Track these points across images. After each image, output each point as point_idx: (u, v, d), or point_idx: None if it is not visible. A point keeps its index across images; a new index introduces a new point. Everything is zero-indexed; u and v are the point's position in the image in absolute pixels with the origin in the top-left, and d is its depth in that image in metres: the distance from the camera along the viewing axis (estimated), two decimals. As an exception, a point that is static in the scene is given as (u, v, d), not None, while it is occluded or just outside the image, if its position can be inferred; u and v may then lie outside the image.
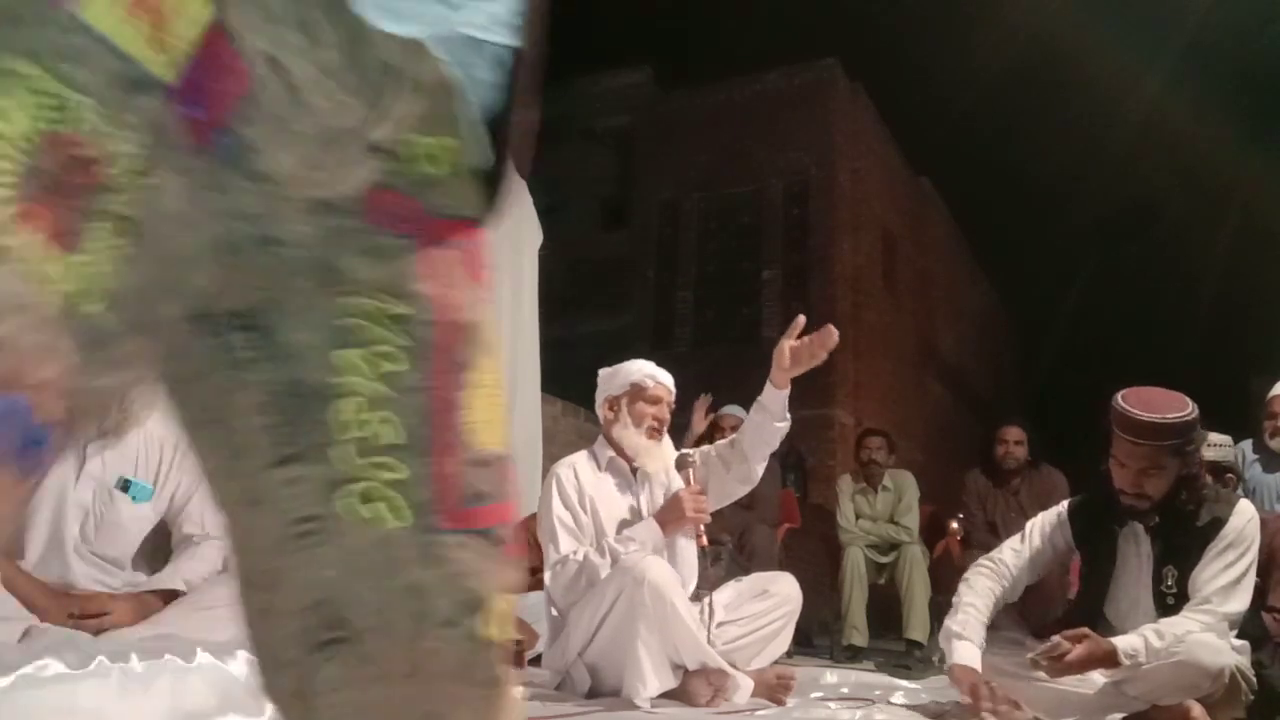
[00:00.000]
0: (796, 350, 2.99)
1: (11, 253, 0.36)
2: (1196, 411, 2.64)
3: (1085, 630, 2.53)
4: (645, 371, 3.22)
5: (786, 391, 3.07)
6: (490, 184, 0.61)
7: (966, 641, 2.69)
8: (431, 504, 0.58)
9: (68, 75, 0.38)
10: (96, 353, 0.42)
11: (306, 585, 0.57)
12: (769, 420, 3.08)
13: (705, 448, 3.32)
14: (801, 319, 3.04)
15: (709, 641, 2.94)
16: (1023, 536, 2.93)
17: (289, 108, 0.48)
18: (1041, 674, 2.56)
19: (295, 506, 0.56)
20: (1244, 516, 2.65)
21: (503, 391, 0.63)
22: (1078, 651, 2.47)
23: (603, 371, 3.30)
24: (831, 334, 2.91)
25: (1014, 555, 2.89)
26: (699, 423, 3.53)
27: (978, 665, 2.65)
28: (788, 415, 3.11)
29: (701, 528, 3.08)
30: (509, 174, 0.62)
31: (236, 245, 0.51)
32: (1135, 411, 2.63)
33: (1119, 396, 2.68)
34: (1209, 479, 3.16)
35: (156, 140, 0.41)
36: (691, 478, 3.11)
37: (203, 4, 0.42)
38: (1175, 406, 2.64)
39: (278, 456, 0.56)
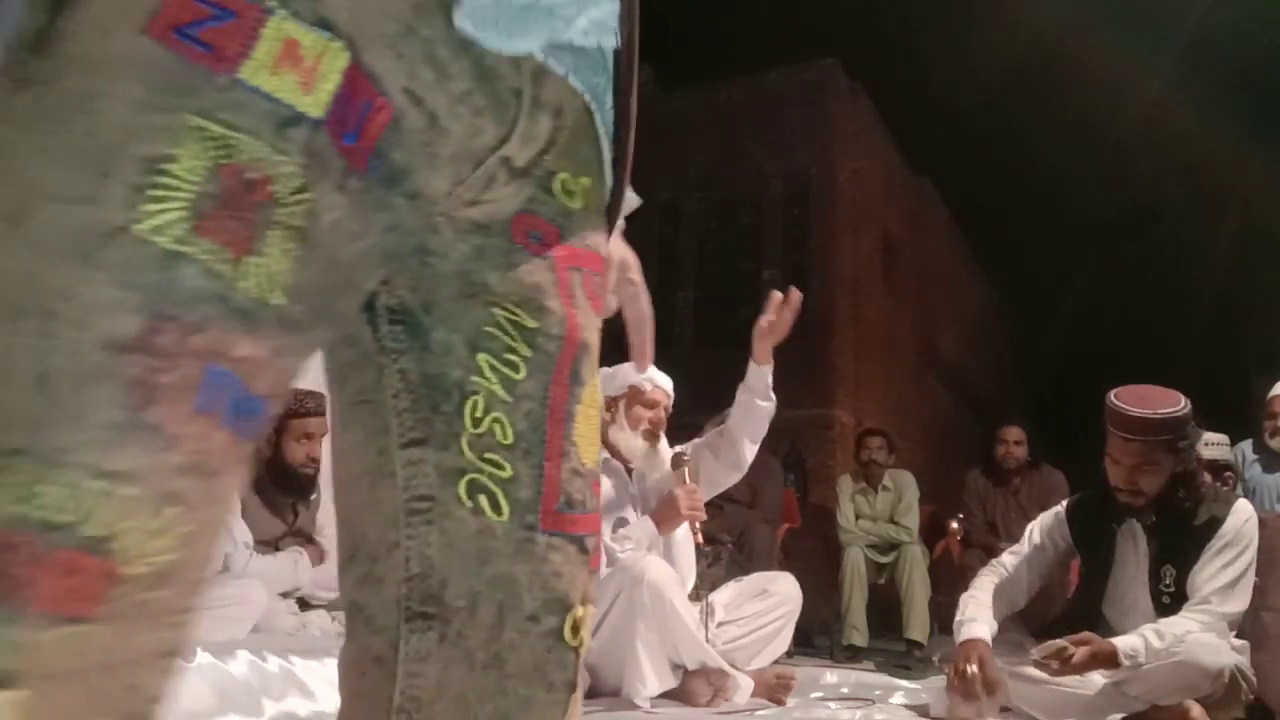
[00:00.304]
0: (773, 323, 3.03)
1: (191, 256, 0.46)
2: (1189, 407, 2.65)
3: (1088, 634, 2.53)
4: (644, 374, 3.22)
5: (768, 368, 3.09)
6: (610, 208, 0.69)
7: (974, 621, 2.70)
8: (532, 504, 0.63)
9: (231, 121, 0.47)
10: (287, 334, 0.50)
11: (411, 559, 0.63)
12: (753, 399, 3.10)
13: (695, 440, 3.33)
14: (777, 295, 3.07)
15: (708, 641, 2.94)
16: (1024, 539, 2.94)
17: (430, 134, 0.55)
18: (1042, 674, 2.56)
19: (414, 485, 0.62)
20: (1242, 515, 2.65)
21: (599, 413, 0.69)
22: (1081, 654, 2.47)
23: (602, 372, 3.28)
24: (795, 296, 3.03)
25: (1013, 556, 2.90)
26: None
27: (987, 639, 2.65)
28: (772, 395, 3.12)
29: (697, 525, 3.09)
30: (624, 194, 0.70)
31: (393, 253, 0.58)
32: (1127, 407, 2.64)
33: (1112, 394, 2.70)
34: (1208, 478, 3.16)
35: (311, 162, 0.50)
36: (686, 476, 3.12)
37: (340, 52, 0.50)
38: (1167, 402, 2.66)
39: (407, 438, 0.62)
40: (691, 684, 2.86)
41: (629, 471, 3.21)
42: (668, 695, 2.84)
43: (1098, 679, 2.59)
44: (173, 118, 0.46)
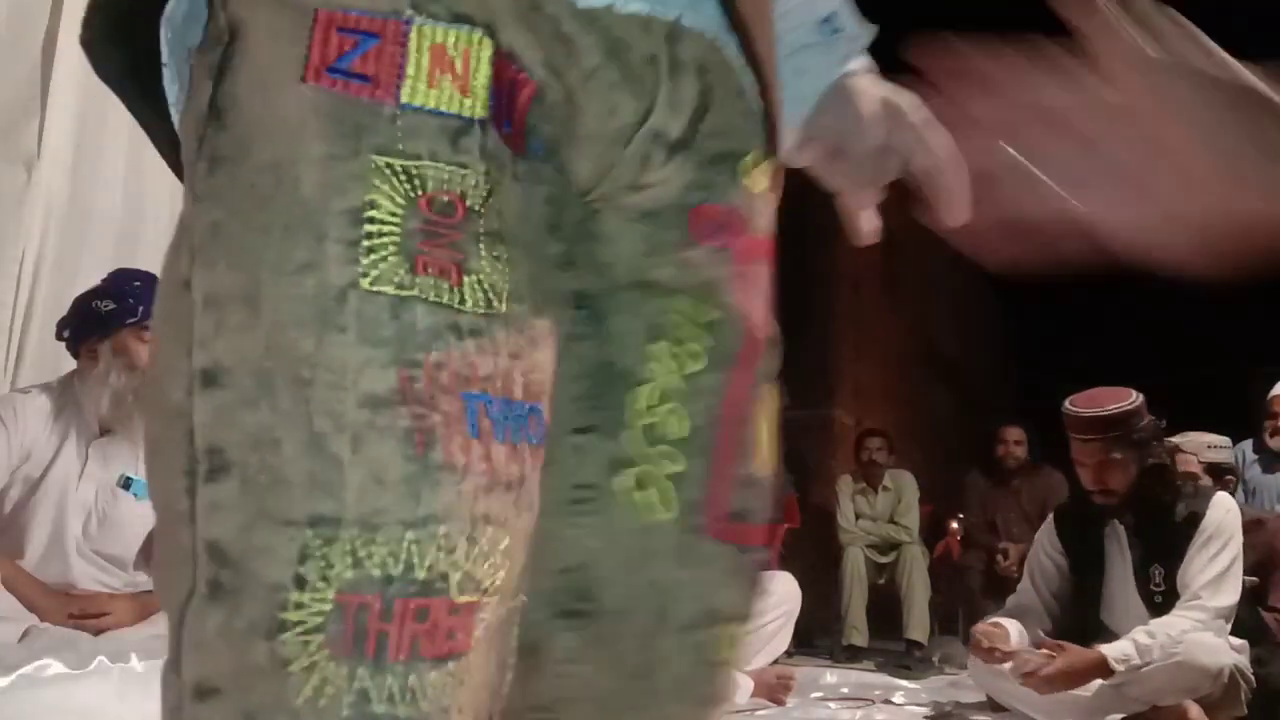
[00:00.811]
0: None
1: (417, 297, 0.47)
2: (1139, 400, 2.68)
3: (1060, 643, 2.55)
4: None
5: None
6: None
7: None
8: (700, 505, 0.60)
9: (410, 151, 0.48)
10: (520, 336, 0.50)
11: (568, 550, 0.60)
12: None
13: None
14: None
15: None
16: (1028, 558, 3.00)
17: (568, 109, 0.54)
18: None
19: (578, 474, 0.60)
20: (1221, 508, 2.65)
21: (776, 418, 0.65)
22: (1056, 665, 2.48)
23: None
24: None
25: (1024, 577, 2.95)
26: None
27: (1013, 630, 2.67)
28: None
29: None
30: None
31: (555, 225, 0.56)
32: (1078, 410, 2.70)
33: (1067, 400, 2.76)
34: (1208, 480, 3.16)
35: (489, 165, 0.50)
36: None
37: (482, 41, 0.50)
38: (1116, 398, 2.70)
39: (575, 424, 0.59)
40: (691, 684, 2.86)
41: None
42: (668, 695, 2.84)
43: (1096, 679, 2.59)
44: (358, 162, 0.47)
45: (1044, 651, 2.54)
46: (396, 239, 0.47)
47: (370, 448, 0.45)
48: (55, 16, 2.89)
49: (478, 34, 0.50)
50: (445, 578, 0.46)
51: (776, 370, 0.64)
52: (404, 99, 0.48)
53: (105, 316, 2.46)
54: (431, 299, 0.47)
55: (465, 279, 0.48)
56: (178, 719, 0.48)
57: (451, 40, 0.49)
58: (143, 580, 2.57)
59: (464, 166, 0.49)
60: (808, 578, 3.87)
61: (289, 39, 0.48)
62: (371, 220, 0.47)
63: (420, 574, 0.45)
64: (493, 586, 0.48)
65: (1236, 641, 2.60)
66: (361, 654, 0.44)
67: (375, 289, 0.47)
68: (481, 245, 0.49)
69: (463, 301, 0.48)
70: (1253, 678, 2.55)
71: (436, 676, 0.46)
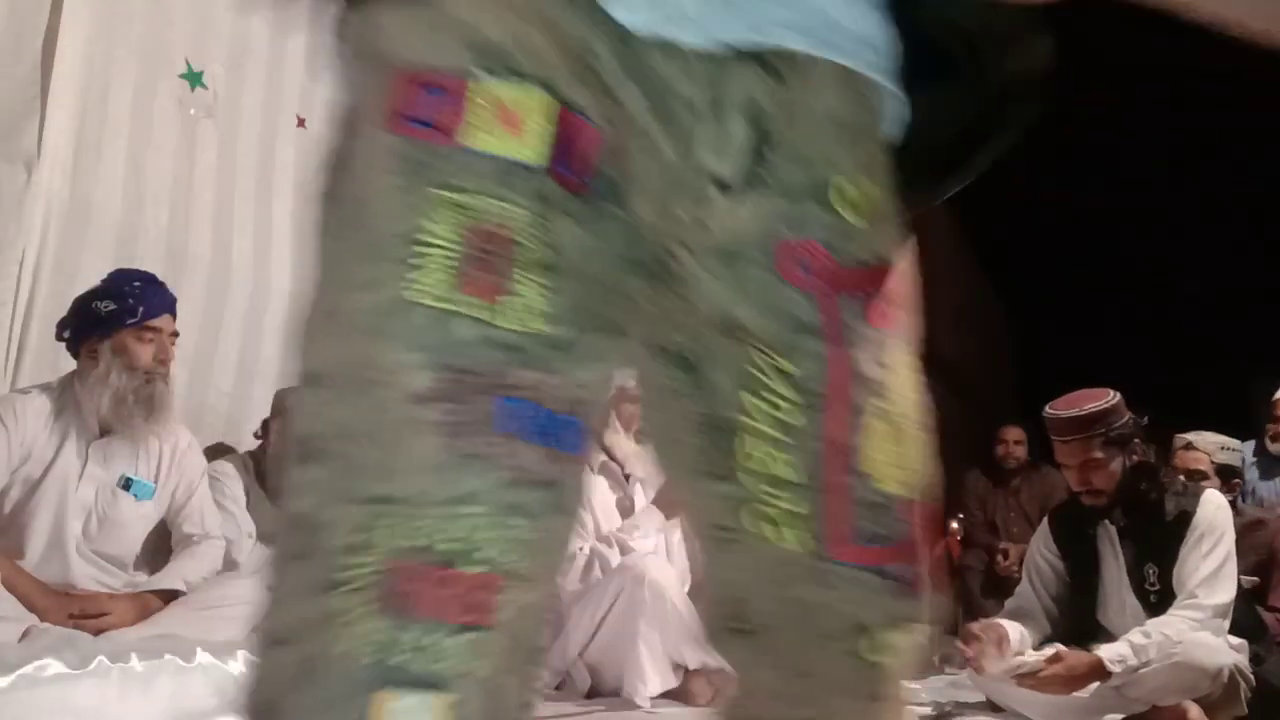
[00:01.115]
0: None
1: (458, 312, 0.54)
2: (1116, 399, 2.69)
3: (1058, 650, 2.55)
4: (628, 372, 3.25)
5: None
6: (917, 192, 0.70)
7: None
8: (823, 537, 0.65)
9: (463, 186, 0.55)
10: (559, 353, 0.56)
11: (720, 580, 0.69)
12: None
13: None
14: None
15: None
16: (1025, 561, 3.00)
17: (622, 155, 0.59)
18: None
19: (713, 515, 0.67)
20: (1212, 505, 2.65)
21: (912, 431, 0.69)
22: (1054, 669, 2.48)
23: None
24: None
25: (1023, 581, 2.95)
26: None
27: (1013, 632, 2.67)
28: None
29: None
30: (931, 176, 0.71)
31: (637, 263, 0.61)
32: (1057, 412, 2.72)
33: (1047, 406, 2.77)
34: (1216, 480, 3.16)
35: (539, 203, 0.56)
36: None
37: (536, 94, 0.56)
38: (1091, 399, 2.71)
39: (702, 472, 0.67)
40: (692, 684, 2.86)
41: (626, 477, 3.24)
42: (669, 695, 2.84)
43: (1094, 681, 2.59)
44: (420, 195, 0.55)
45: (1041, 656, 2.54)
46: (445, 262, 0.54)
47: (415, 439, 0.53)
48: (55, 16, 2.89)
49: (534, 89, 0.57)
50: (468, 555, 0.52)
51: (893, 390, 0.68)
52: (462, 142, 0.55)
53: (105, 317, 2.46)
54: (470, 314, 0.54)
55: (504, 299, 0.55)
56: (255, 667, 0.55)
57: (509, 94, 0.56)
58: (142, 580, 2.57)
59: (512, 203, 0.56)
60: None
61: (376, 92, 0.57)
62: (423, 243, 0.54)
63: (446, 546, 0.51)
64: (516, 571, 0.53)
65: (1235, 641, 2.60)
66: (392, 611, 0.50)
67: (421, 302, 0.54)
68: (525, 272, 0.55)
69: (499, 319, 0.55)
70: (1251, 677, 2.55)
71: (454, 642, 0.51)
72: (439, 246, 0.54)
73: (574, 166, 0.58)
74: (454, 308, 0.54)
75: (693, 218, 0.62)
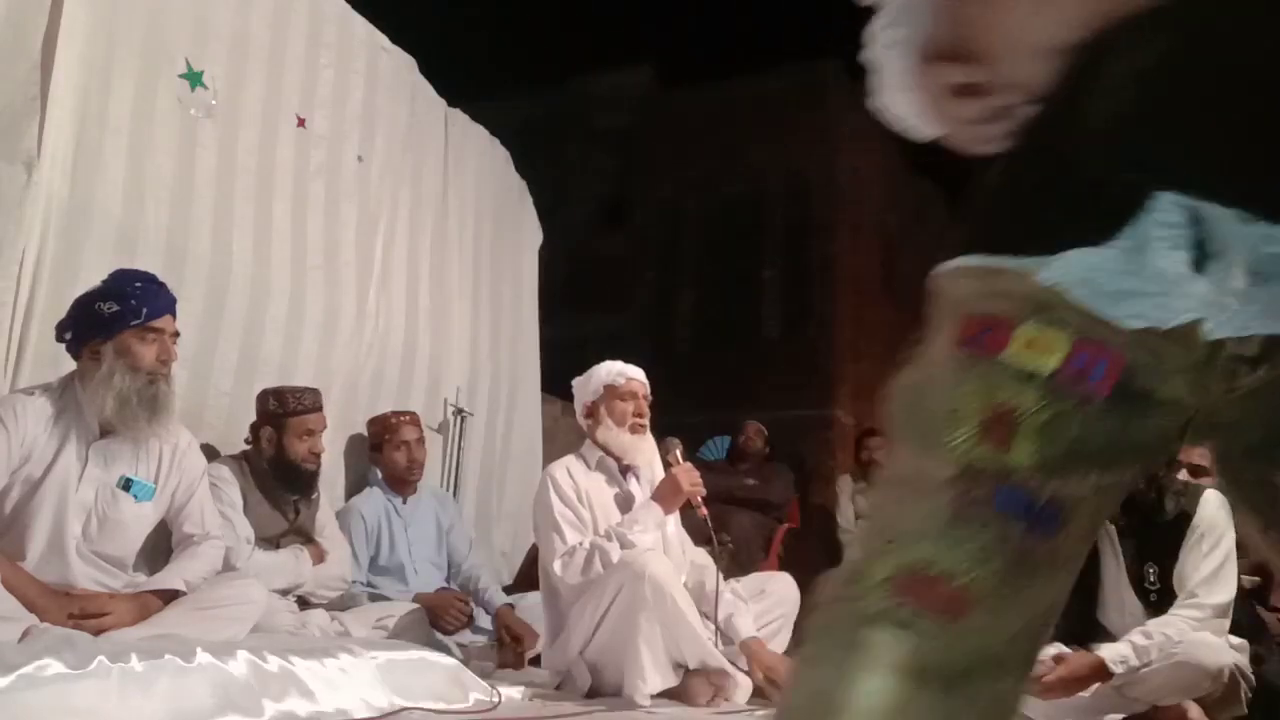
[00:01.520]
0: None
1: (981, 454, 0.73)
2: None
3: (1060, 653, 2.55)
4: (615, 370, 3.29)
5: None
6: None
7: None
8: None
9: (992, 381, 0.73)
10: (1046, 477, 0.71)
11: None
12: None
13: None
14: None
15: (718, 626, 2.99)
16: None
17: (1152, 362, 0.72)
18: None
19: None
20: (1211, 504, 2.65)
21: None
22: (1059, 672, 2.48)
23: (575, 381, 3.38)
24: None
25: None
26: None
27: None
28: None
29: (699, 499, 3.13)
30: None
31: (1149, 447, 0.75)
32: None
33: None
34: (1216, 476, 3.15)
35: (1046, 394, 0.72)
36: (679, 457, 3.21)
37: (1064, 337, 0.72)
38: None
39: None
40: (692, 683, 2.86)
41: (623, 471, 3.24)
42: (668, 694, 2.84)
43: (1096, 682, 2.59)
44: (961, 387, 0.74)
45: (1043, 657, 2.54)
46: (973, 427, 0.73)
47: (942, 506, 0.73)
48: (55, 16, 2.89)
49: (1064, 333, 0.72)
50: (952, 575, 0.71)
51: None
52: (999, 358, 0.73)
53: (109, 318, 2.46)
54: (987, 453, 0.72)
55: (1011, 445, 0.72)
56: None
57: (1043, 335, 0.73)
58: (142, 580, 2.57)
59: (1023, 392, 0.72)
60: (808, 578, 3.87)
61: (950, 324, 0.77)
62: (958, 415, 0.73)
63: (935, 568, 0.72)
64: (986, 596, 0.72)
65: (1236, 640, 2.60)
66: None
67: (955, 453, 0.73)
68: (1021, 432, 0.72)
69: (1008, 457, 0.72)
70: (1252, 677, 2.55)
71: (943, 633, 0.72)
72: (970, 419, 0.73)
73: (1103, 379, 0.72)
74: (979, 451, 0.73)
75: (1225, 388, 0.72)
